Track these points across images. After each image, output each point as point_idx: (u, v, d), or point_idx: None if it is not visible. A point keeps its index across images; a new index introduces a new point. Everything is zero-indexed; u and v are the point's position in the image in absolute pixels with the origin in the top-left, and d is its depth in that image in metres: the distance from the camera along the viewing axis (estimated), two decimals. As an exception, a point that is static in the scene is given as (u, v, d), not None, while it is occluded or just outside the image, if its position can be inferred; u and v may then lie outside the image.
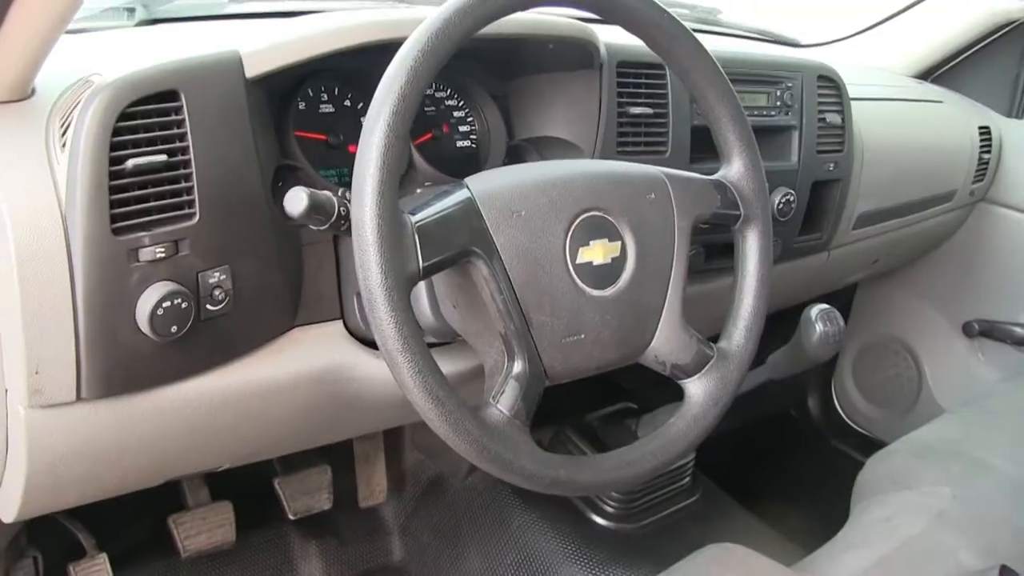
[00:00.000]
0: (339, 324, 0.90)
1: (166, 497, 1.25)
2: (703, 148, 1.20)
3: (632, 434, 1.39)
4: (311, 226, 0.68)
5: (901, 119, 1.54)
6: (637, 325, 0.77)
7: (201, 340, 0.74)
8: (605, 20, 0.79)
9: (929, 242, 1.82)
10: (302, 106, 0.93)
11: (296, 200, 0.65)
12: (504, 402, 0.69)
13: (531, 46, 0.98)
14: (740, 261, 0.86)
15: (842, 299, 2.10)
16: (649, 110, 1.05)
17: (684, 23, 0.80)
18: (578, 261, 0.72)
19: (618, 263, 0.75)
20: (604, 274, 0.74)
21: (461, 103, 1.06)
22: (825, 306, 1.03)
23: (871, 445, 1.55)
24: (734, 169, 0.85)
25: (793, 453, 2.07)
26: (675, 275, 0.79)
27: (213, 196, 0.72)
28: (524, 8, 0.70)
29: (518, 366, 0.70)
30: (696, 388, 0.80)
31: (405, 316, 0.62)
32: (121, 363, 0.70)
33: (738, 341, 0.83)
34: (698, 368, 0.80)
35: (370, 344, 0.92)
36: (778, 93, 1.18)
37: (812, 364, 1.07)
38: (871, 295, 2.05)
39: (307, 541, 1.43)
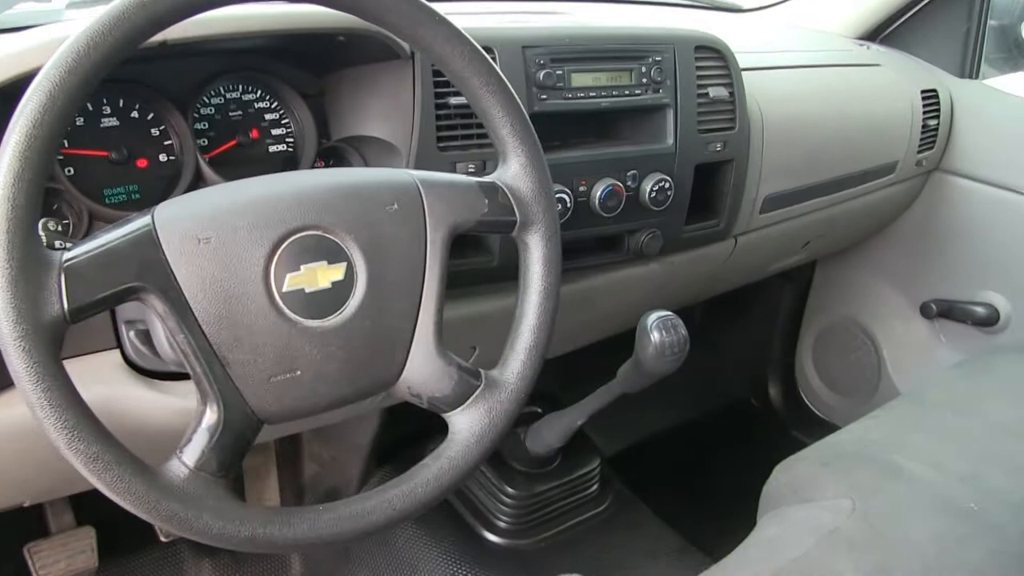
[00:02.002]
0: (116, 354, 0.83)
1: (30, 523, 1.21)
2: (584, 132, 1.11)
3: (520, 444, 1.30)
4: None
5: (825, 87, 1.41)
6: (378, 355, 0.68)
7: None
8: (336, 7, 0.69)
9: (877, 219, 1.68)
10: (80, 121, 0.86)
11: None
12: (189, 453, 0.61)
13: (331, 38, 0.88)
14: (521, 273, 0.76)
15: (801, 279, 1.97)
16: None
17: (430, 5, 0.69)
18: (286, 289, 0.64)
19: (343, 287, 0.66)
20: (323, 301, 0.65)
21: (274, 104, 0.97)
22: (664, 313, 0.92)
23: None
24: (510, 169, 0.75)
25: (750, 444, 1.96)
26: (427, 295, 0.69)
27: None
28: (186, 14, 0.61)
29: (209, 412, 0.62)
30: (458, 423, 0.71)
31: (46, 368, 0.55)
32: None
33: (513, 367, 0.73)
34: (460, 400, 0.71)
35: (150, 375, 0.85)
36: (643, 69, 1.07)
37: (655, 378, 0.96)
38: (829, 275, 1.91)
39: (200, 560, 1.38)
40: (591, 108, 1.03)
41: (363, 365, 0.67)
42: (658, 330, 0.91)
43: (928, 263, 1.72)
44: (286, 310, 0.64)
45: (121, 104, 0.88)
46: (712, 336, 2.00)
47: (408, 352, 0.69)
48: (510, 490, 1.28)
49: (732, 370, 2.06)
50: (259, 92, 0.97)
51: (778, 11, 1.81)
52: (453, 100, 0.94)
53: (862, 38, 1.69)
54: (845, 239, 1.72)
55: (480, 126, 0.97)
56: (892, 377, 1.79)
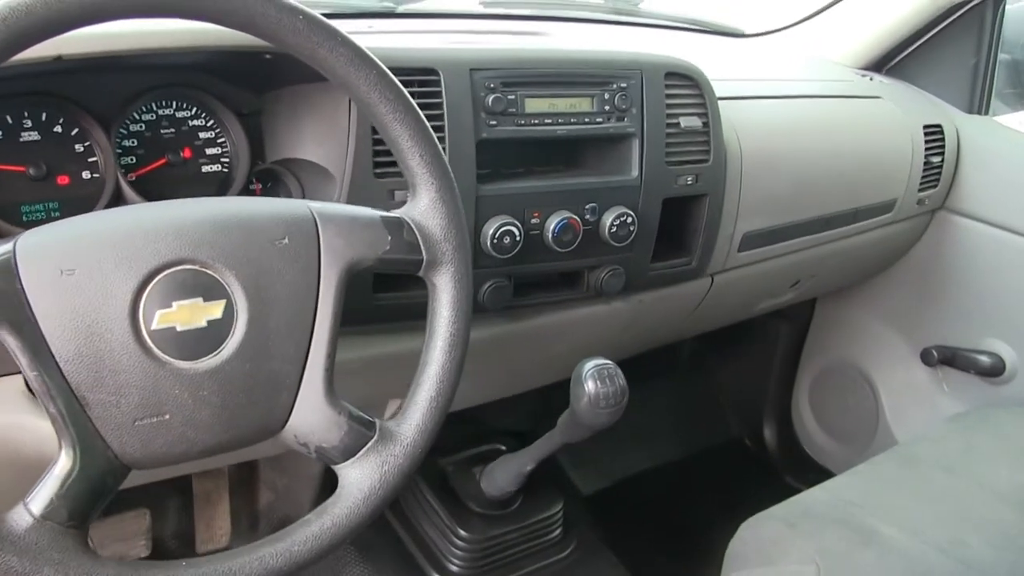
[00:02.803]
0: (19, 379, 0.79)
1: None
2: (542, 161, 1.05)
3: (476, 485, 1.24)
4: None
5: (815, 119, 1.33)
6: (258, 401, 0.62)
7: None
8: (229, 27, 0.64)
9: (875, 259, 1.59)
10: (-2, 135, 0.82)
11: None
12: (36, 501, 0.56)
13: (258, 55, 0.84)
14: (428, 316, 0.70)
15: (800, 318, 1.88)
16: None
17: (330, 23, 0.64)
18: (155, 327, 0.58)
19: (220, 327, 0.61)
20: (197, 342, 0.60)
21: (210, 123, 0.93)
22: (601, 361, 0.86)
23: (830, 480, 1.36)
24: (419, 203, 0.69)
25: (740, 488, 1.87)
26: (317, 337, 0.64)
27: None
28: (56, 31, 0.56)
29: (64, 456, 0.57)
30: (347, 477, 0.65)
31: None
32: None
33: (412, 420, 0.67)
34: (350, 451, 0.65)
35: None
36: (606, 96, 1.00)
37: (592, 430, 0.89)
38: (829, 315, 1.82)
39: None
40: (545, 136, 0.98)
41: (241, 411, 0.62)
42: (593, 380, 0.84)
43: (931, 307, 1.63)
44: (155, 349, 0.58)
45: (44, 118, 0.84)
46: (703, 371, 1.92)
47: (295, 398, 0.64)
48: (463, 532, 1.21)
49: (726, 408, 1.97)
50: (194, 109, 0.92)
51: (781, 37, 1.74)
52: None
53: (867, 68, 1.61)
54: (841, 279, 1.63)
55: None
56: (890, 425, 1.70)
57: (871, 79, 1.56)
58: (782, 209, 1.25)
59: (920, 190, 1.48)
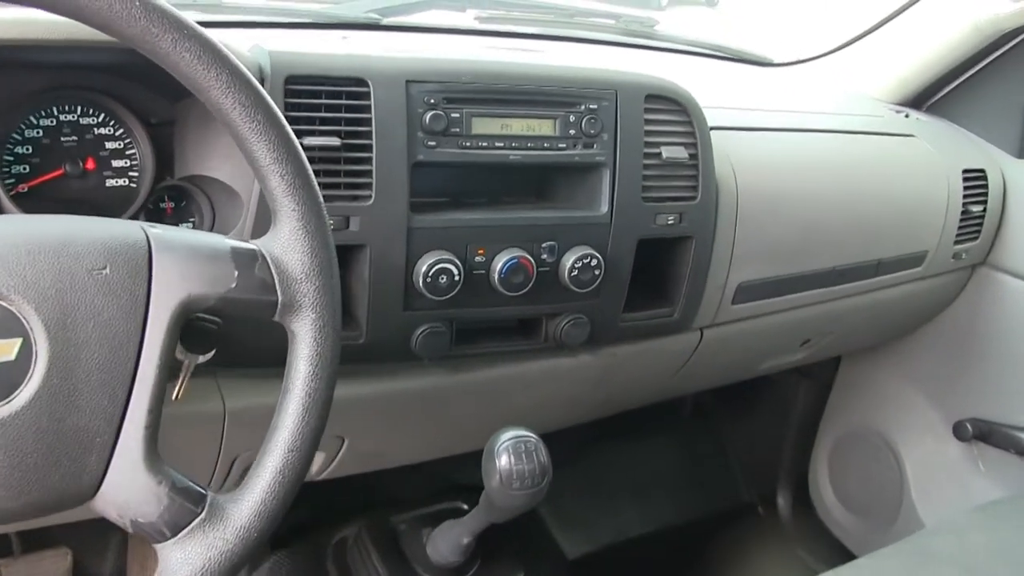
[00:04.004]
0: None
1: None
2: (495, 191, 0.92)
3: (422, 547, 1.10)
4: None
5: (832, 157, 1.17)
6: (60, 462, 0.51)
7: None
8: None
9: (903, 318, 1.42)
10: None
11: None
12: None
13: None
14: (286, 370, 0.58)
15: (822, 376, 1.70)
16: (335, 140, 0.78)
17: (176, 12, 0.53)
18: None
19: (13, 371, 0.50)
20: None
21: (118, 132, 0.83)
22: (520, 433, 0.72)
23: (846, 559, 1.19)
24: (280, 233, 0.57)
25: (746, 562, 1.69)
26: (139, 388, 0.52)
27: None
28: None
29: None
30: (168, 559, 0.53)
31: None
32: None
33: (252, 495, 0.55)
34: (172, 529, 0.53)
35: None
36: (571, 118, 0.87)
37: (510, 513, 0.75)
38: (853, 376, 1.64)
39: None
40: (495, 161, 0.85)
41: (38, 473, 0.50)
42: (507, 455, 0.71)
43: (968, 375, 1.44)
44: None
45: None
46: (709, 426, 1.75)
47: (108, 461, 0.52)
48: (406, 603, 1.08)
49: (735, 469, 1.79)
50: (100, 116, 0.82)
51: (812, 67, 1.59)
52: (310, 140, 0.77)
53: (904, 104, 1.45)
54: (863, 339, 1.46)
55: (349, 172, 0.80)
56: (916, 504, 1.50)
57: (907, 116, 1.39)
58: (787, 257, 1.10)
59: (957, 242, 1.31)
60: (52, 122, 0.81)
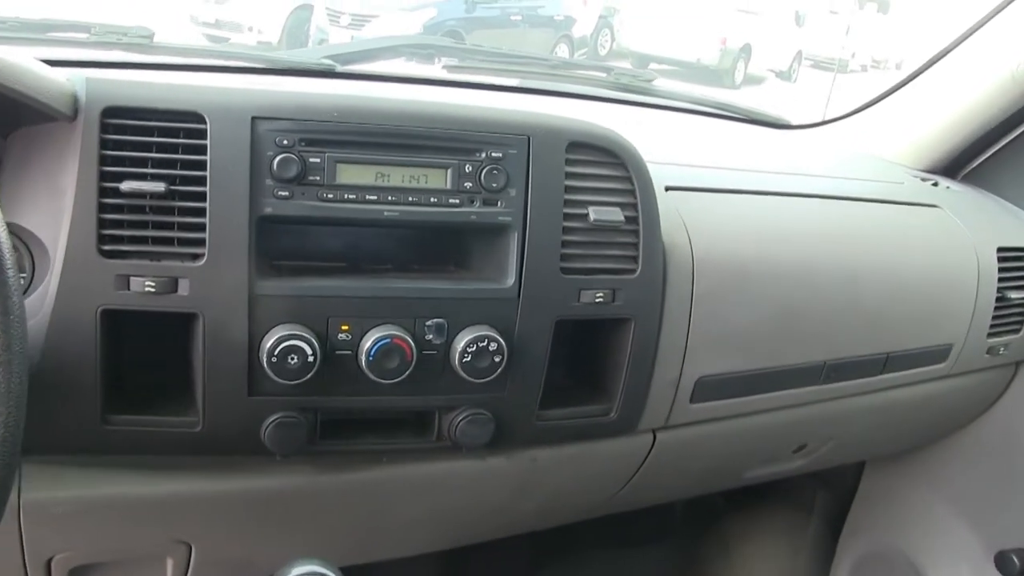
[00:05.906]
0: None
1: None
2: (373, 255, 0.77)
3: None
4: None
5: (829, 227, 0.98)
6: None
7: None
8: None
9: (925, 423, 1.19)
10: None
11: None
12: None
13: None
14: None
15: (842, 485, 1.46)
16: (160, 186, 0.64)
17: None
18: None
19: None
20: None
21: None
22: (311, 569, 0.54)
23: None
24: None
25: None
26: None
27: None
28: None
29: None
30: None
31: None
32: None
33: None
34: None
35: None
36: (468, 168, 0.71)
37: None
38: (877, 486, 1.40)
39: None
40: (366, 218, 0.70)
41: None
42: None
43: (1014, 494, 1.19)
44: None
45: None
46: (709, 537, 1.51)
47: None
48: None
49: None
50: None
51: (833, 128, 1.41)
52: (128, 185, 0.64)
53: (932, 171, 1.25)
54: (880, 446, 1.23)
55: (181, 225, 0.65)
56: (949, 650, 1.24)
57: (934, 184, 1.19)
58: (761, 347, 0.90)
59: (992, 335, 1.08)
60: None
